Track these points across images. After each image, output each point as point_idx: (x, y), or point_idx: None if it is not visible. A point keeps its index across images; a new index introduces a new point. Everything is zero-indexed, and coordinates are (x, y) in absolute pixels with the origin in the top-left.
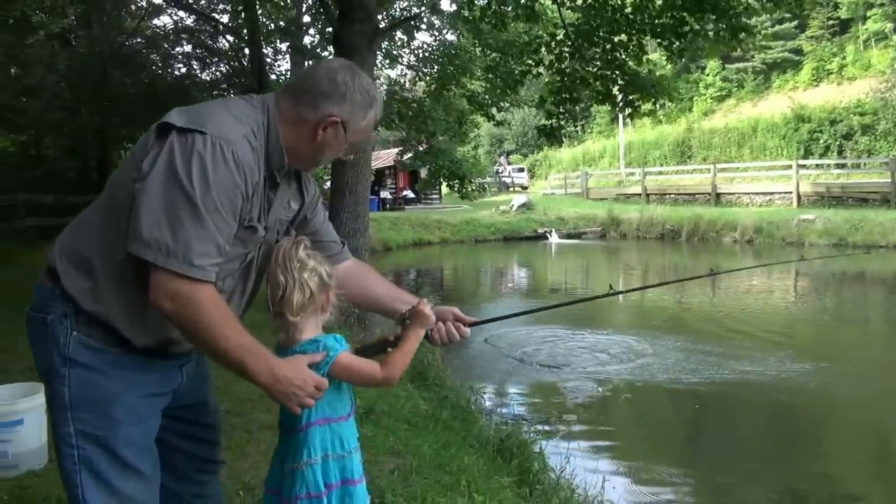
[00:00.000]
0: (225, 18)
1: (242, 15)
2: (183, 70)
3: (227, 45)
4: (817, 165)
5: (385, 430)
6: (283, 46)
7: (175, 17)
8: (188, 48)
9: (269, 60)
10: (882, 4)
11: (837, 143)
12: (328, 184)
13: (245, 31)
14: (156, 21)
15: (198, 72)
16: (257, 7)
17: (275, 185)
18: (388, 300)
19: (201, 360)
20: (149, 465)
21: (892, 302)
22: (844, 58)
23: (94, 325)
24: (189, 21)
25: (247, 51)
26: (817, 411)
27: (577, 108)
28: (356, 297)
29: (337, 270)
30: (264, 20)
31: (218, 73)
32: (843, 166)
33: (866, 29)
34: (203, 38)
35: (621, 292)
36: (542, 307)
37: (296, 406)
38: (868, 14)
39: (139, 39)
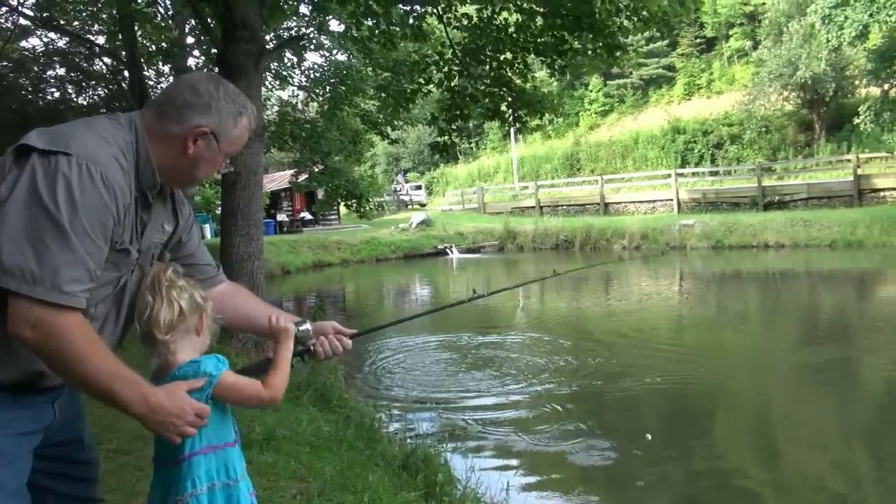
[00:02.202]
0: (101, 40)
1: (120, 36)
2: (56, 94)
3: (104, 67)
4: (693, 174)
5: (286, 456)
6: (166, 68)
7: (46, 39)
8: (61, 71)
9: (151, 83)
10: (742, 24)
11: (710, 152)
12: (220, 209)
13: (123, 52)
14: (24, 43)
15: (73, 96)
16: (136, 28)
17: (147, 206)
18: (264, 320)
19: (74, 394)
20: None
21: (766, 297)
22: (712, 73)
23: None
24: (61, 43)
25: (126, 73)
26: (709, 407)
27: (468, 124)
28: (232, 319)
29: (212, 293)
30: (144, 41)
31: (96, 97)
32: (715, 174)
33: (729, 46)
34: (78, 60)
35: (484, 295)
36: (415, 314)
37: (174, 436)
38: (730, 33)
39: (6, 63)
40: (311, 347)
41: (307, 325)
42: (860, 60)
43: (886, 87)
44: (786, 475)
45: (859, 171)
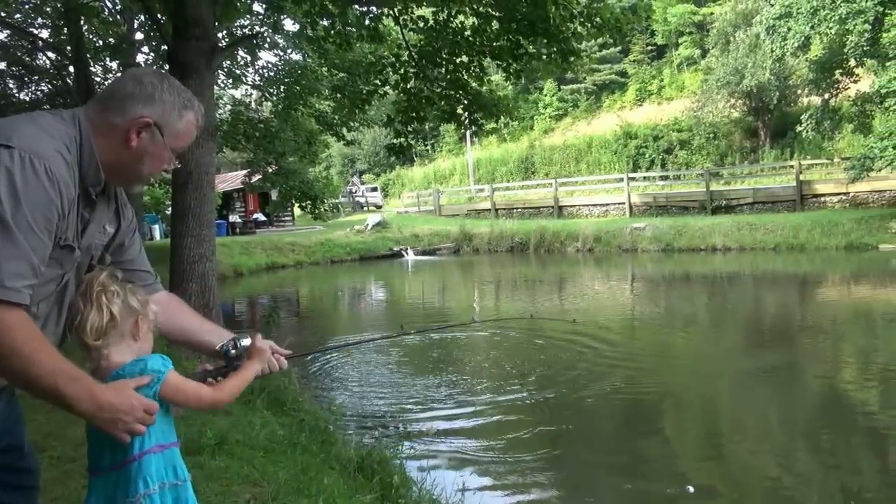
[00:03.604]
0: (45, 34)
1: (65, 30)
2: None
3: (48, 62)
4: (644, 178)
5: (239, 460)
6: (114, 65)
7: None
8: (2, 65)
9: (98, 79)
10: (691, 33)
11: (660, 157)
12: (170, 209)
13: (69, 47)
14: None
15: (14, 91)
16: (82, 22)
17: (89, 204)
18: (201, 333)
19: (12, 401)
20: None
21: (714, 299)
22: (662, 80)
23: None
24: (2, 36)
25: (72, 69)
26: (658, 410)
27: (424, 126)
28: (167, 330)
29: None
30: (91, 37)
31: (39, 93)
32: (666, 178)
33: (679, 54)
34: (20, 54)
35: (410, 333)
36: (356, 342)
37: (123, 434)
38: (679, 41)
39: None
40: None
41: (249, 341)
42: (802, 70)
43: (826, 96)
44: (733, 474)
45: (801, 177)
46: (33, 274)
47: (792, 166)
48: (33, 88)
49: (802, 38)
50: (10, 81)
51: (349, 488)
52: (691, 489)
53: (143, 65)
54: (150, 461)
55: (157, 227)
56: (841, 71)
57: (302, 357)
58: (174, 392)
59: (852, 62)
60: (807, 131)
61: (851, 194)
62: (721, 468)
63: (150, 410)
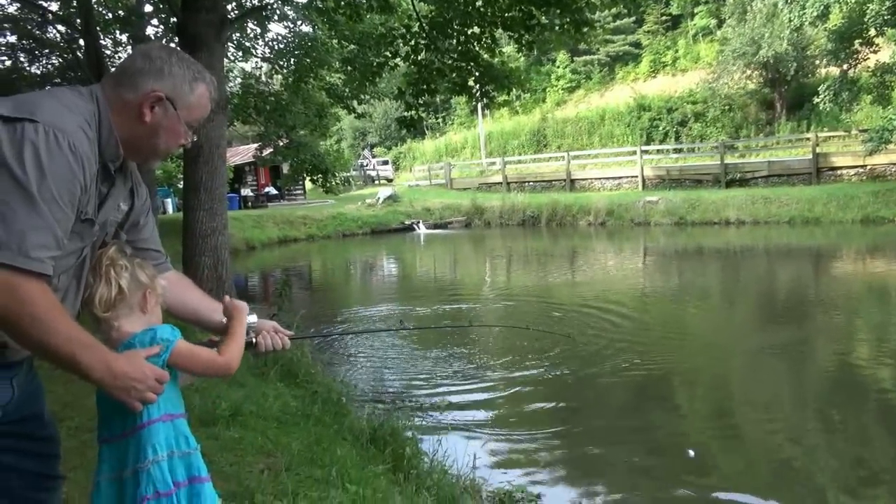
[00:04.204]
0: (54, 6)
1: (74, 3)
2: (7, 63)
3: (58, 35)
4: (658, 151)
5: (253, 431)
6: (124, 37)
7: None
8: (12, 39)
9: (108, 52)
10: (707, 2)
11: (674, 129)
12: (182, 183)
13: (78, 20)
14: None
15: (26, 64)
16: None
17: (108, 178)
18: (208, 311)
19: (32, 371)
20: None
21: (727, 274)
22: (677, 51)
23: None
24: (12, 9)
25: (82, 42)
26: (671, 385)
27: (435, 99)
28: (175, 308)
29: None
30: (100, 9)
31: (49, 66)
32: (679, 151)
33: (694, 24)
34: (30, 27)
35: (410, 328)
36: (363, 330)
37: (136, 402)
38: (695, 11)
39: None
40: (254, 340)
41: (254, 318)
42: (821, 40)
43: (845, 66)
44: (745, 451)
45: (818, 150)
46: (57, 246)
47: (808, 139)
48: (44, 62)
49: (821, 7)
50: (21, 55)
51: (362, 459)
52: (692, 453)
53: (153, 37)
54: (159, 429)
55: (169, 200)
56: (860, 41)
57: (306, 339)
58: (188, 358)
59: (872, 32)
60: (824, 103)
61: (869, 167)
62: (733, 445)
63: (161, 379)
